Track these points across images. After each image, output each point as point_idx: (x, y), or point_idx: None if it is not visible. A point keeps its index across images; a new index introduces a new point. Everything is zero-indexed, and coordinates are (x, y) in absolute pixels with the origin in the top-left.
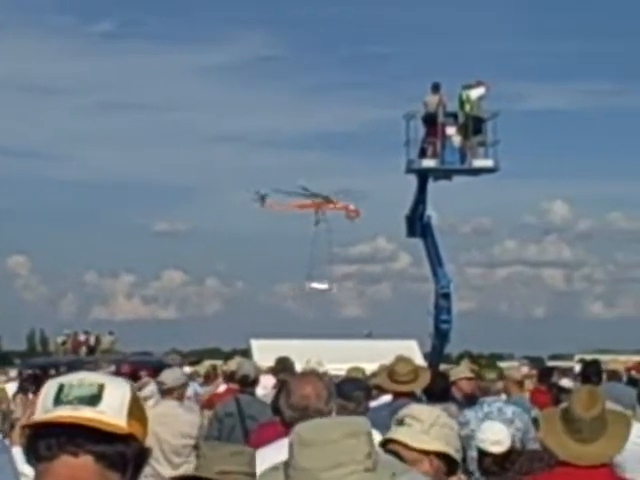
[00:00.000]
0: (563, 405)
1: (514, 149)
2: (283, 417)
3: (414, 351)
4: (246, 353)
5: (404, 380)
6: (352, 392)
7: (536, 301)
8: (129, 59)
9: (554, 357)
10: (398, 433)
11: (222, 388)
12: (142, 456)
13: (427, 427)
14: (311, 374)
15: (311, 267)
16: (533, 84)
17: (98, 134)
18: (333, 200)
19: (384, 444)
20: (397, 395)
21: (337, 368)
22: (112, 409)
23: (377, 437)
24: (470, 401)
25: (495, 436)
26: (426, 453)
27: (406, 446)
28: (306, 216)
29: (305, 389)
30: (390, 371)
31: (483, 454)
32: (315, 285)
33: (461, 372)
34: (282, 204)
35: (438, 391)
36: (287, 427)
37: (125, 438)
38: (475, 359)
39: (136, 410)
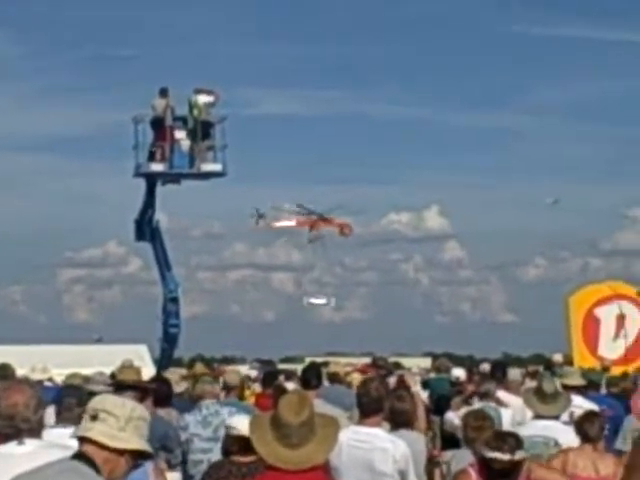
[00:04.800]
0: (272, 411)
1: (243, 153)
2: None
3: (144, 355)
4: None
5: (130, 385)
6: (65, 399)
7: (267, 304)
8: None
9: (285, 360)
10: (93, 431)
11: None
12: None
13: (123, 423)
14: (20, 382)
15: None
16: (262, 89)
17: None
18: (328, 218)
19: (80, 441)
20: None
21: (63, 374)
22: None
23: None
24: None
25: (243, 425)
26: (122, 452)
27: (102, 446)
28: None
29: (13, 397)
30: (116, 377)
31: (231, 437)
32: (313, 300)
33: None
34: (279, 222)
35: (162, 396)
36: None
37: None
38: (208, 363)
39: None
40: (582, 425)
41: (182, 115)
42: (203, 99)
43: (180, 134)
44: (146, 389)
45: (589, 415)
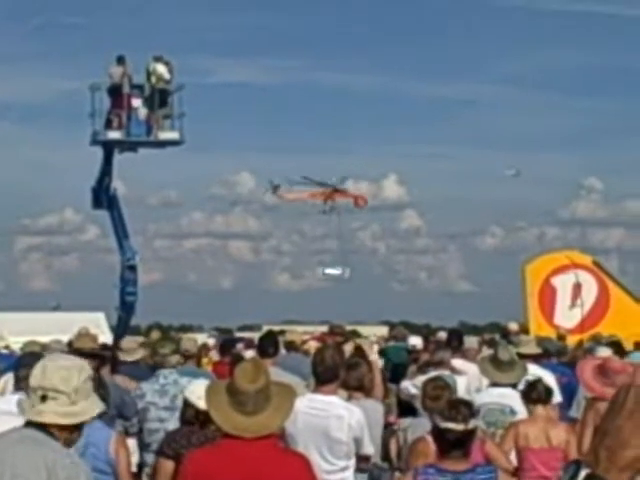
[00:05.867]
0: (228, 379)
1: (201, 122)
2: None
3: (101, 323)
4: None
5: (88, 353)
6: (23, 366)
7: (224, 273)
8: None
9: (243, 328)
10: (46, 414)
11: None
12: None
13: (74, 396)
14: None
15: None
16: (219, 58)
17: None
18: (343, 190)
19: (29, 423)
20: None
21: (20, 341)
22: None
23: None
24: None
25: (202, 392)
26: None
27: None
28: None
29: None
30: (72, 344)
31: (188, 406)
32: (328, 270)
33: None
34: (294, 193)
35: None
36: None
37: None
38: (165, 331)
39: None
40: (528, 392)
41: (139, 83)
42: (162, 67)
43: (137, 102)
44: (103, 357)
45: (534, 382)
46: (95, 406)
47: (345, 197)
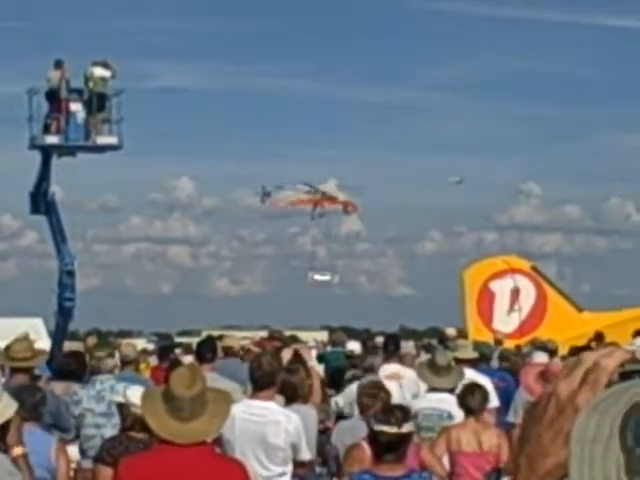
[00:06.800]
0: (164, 385)
1: (140, 127)
2: None
3: (39, 329)
4: None
5: (21, 357)
6: None
7: (163, 278)
8: None
9: (182, 333)
10: None
11: None
12: None
13: None
14: None
15: None
16: (159, 63)
17: None
18: (333, 196)
19: None
20: (16, 371)
21: None
22: None
23: None
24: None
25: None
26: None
27: None
28: None
29: None
30: (8, 349)
31: (127, 412)
32: (318, 277)
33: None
34: (285, 200)
35: (70, 369)
36: None
37: None
38: (104, 336)
39: None
40: (464, 398)
41: (78, 87)
42: (100, 71)
43: (75, 106)
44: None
45: (470, 387)
46: (9, 410)
47: (334, 204)
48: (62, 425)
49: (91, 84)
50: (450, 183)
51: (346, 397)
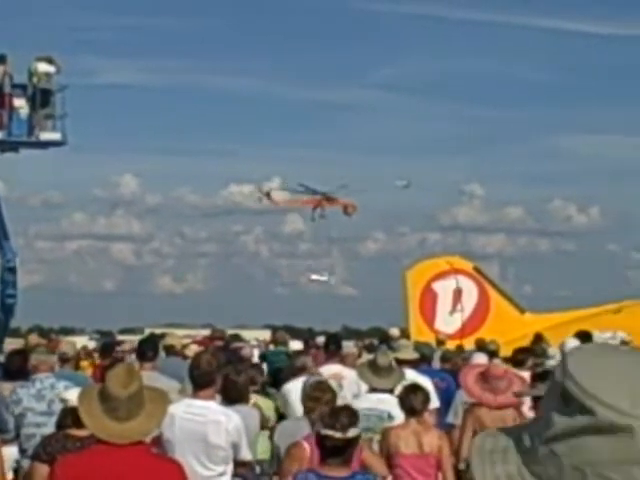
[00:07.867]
0: (100, 384)
1: (84, 123)
2: None
3: None
4: None
5: None
6: None
7: (106, 275)
8: None
9: (124, 331)
10: None
11: None
12: None
13: None
14: None
15: None
16: (104, 59)
17: None
18: (333, 197)
19: None
20: None
21: None
22: None
23: None
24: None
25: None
26: None
27: None
28: None
29: None
30: None
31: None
32: (315, 277)
33: None
34: (285, 200)
35: (15, 369)
36: None
37: None
38: (46, 333)
39: None
40: (405, 398)
41: (22, 83)
42: (44, 67)
43: (19, 102)
44: None
45: (411, 388)
46: None
47: (334, 205)
48: (1, 425)
49: (35, 80)
50: (397, 187)
51: (282, 397)
